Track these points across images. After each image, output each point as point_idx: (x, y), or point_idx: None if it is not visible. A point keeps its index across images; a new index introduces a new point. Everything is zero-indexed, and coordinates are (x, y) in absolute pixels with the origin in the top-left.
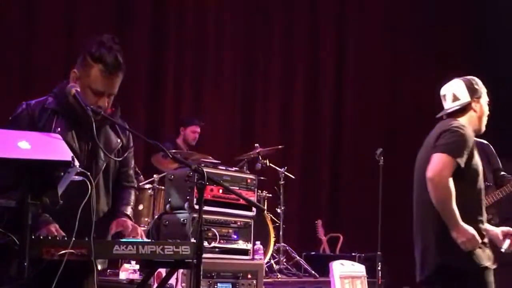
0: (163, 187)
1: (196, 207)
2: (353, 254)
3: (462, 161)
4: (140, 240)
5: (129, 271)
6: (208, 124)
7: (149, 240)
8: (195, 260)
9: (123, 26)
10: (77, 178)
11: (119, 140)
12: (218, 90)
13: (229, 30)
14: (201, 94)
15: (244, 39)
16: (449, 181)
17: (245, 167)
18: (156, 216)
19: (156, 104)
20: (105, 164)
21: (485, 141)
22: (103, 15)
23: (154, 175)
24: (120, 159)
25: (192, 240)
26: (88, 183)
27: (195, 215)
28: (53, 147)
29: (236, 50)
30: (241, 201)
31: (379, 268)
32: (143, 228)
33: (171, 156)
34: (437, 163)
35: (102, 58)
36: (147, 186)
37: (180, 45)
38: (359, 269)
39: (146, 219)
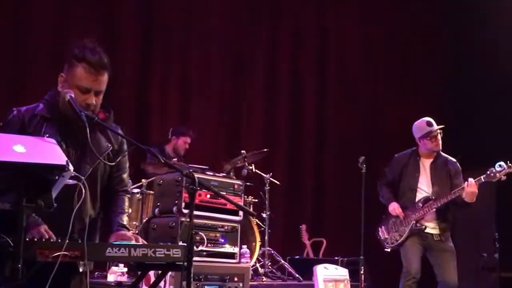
0: (151, 192)
1: (185, 211)
2: (336, 258)
3: None
4: (132, 242)
5: (117, 273)
6: (195, 133)
7: (141, 243)
8: (185, 263)
9: (111, 40)
10: (71, 182)
11: (109, 145)
12: (204, 97)
13: (215, 37)
14: (187, 101)
15: (230, 46)
16: None
17: (231, 173)
18: (144, 220)
19: (142, 111)
20: (91, 170)
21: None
22: (91, 23)
23: (143, 180)
24: (113, 163)
25: (181, 243)
26: (82, 186)
27: (183, 219)
28: (48, 151)
29: (222, 57)
30: (228, 206)
31: (362, 272)
32: (131, 232)
33: (163, 161)
34: None
35: (86, 57)
36: (136, 190)
37: (166, 52)
38: (342, 272)
39: (134, 222)
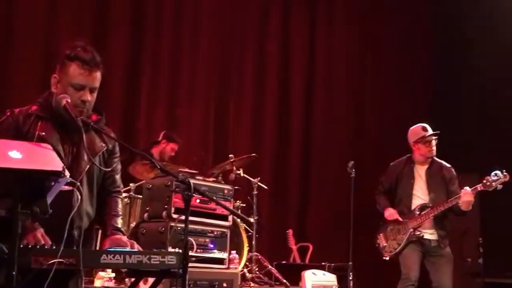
0: (139, 196)
1: (174, 216)
2: (323, 263)
3: None
4: (127, 249)
5: (104, 279)
6: (182, 137)
7: (136, 250)
8: (181, 270)
9: (101, 39)
10: (66, 188)
11: (103, 144)
12: (191, 102)
13: (203, 42)
14: (175, 106)
15: (218, 51)
16: None
17: (220, 177)
18: (132, 225)
19: (130, 114)
20: (88, 166)
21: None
22: (81, 28)
23: (131, 184)
24: (109, 169)
25: (170, 248)
26: (78, 193)
27: (173, 224)
28: (43, 157)
29: (210, 62)
30: (218, 211)
31: (350, 278)
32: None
33: (158, 166)
34: None
35: (78, 56)
36: (123, 194)
37: (155, 57)
38: (330, 278)
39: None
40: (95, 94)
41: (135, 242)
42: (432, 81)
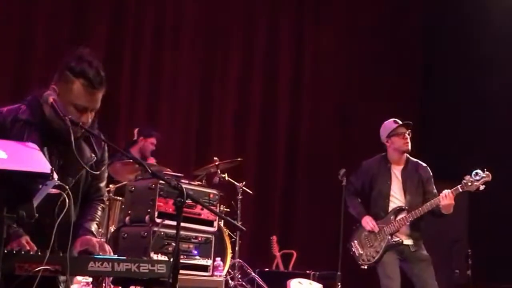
0: (119, 198)
1: (158, 220)
2: (308, 272)
3: None
4: (115, 257)
5: (81, 283)
6: (164, 137)
7: (124, 258)
8: (170, 279)
9: (80, 38)
10: (54, 191)
11: (93, 155)
12: (174, 102)
13: (186, 41)
14: (157, 106)
15: (201, 51)
16: None
17: (203, 181)
18: (110, 227)
19: (110, 115)
20: (73, 182)
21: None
22: (60, 26)
23: (110, 185)
24: (96, 173)
25: (152, 254)
26: (66, 197)
27: (156, 228)
28: (31, 157)
29: (193, 63)
30: (203, 216)
31: None
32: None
33: (150, 171)
34: None
35: (84, 73)
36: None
37: (136, 57)
38: (317, 287)
39: (100, 230)
40: (94, 113)
41: (105, 244)
42: (424, 85)
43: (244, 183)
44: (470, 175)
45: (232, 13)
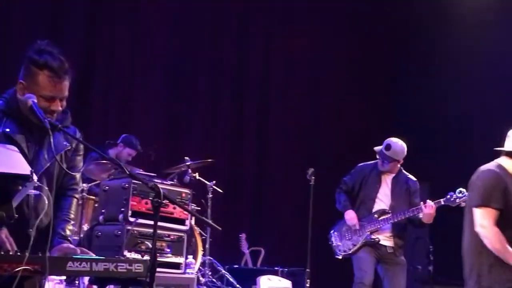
0: (92, 197)
1: (131, 219)
2: (276, 268)
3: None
4: (94, 256)
5: (55, 281)
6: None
7: (103, 257)
8: (148, 279)
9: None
10: (33, 192)
11: (67, 144)
12: (146, 102)
13: (160, 42)
14: (129, 106)
15: (173, 51)
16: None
17: (175, 180)
18: (83, 226)
19: (83, 110)
20: (48, 164)
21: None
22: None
23: (83, 184)
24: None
25: (126, 252)
26: (46, 198)
27: (129, 227)
28: (10, 159)
29: (166, 62)
30: (175, 215)
31: (307, 285)
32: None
33: (128, 172)
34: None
35: (48, 64)
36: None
37: (110, 54)
38: (286, 284)
39: (73, 228)
40: (64, 102)
41: (85, 249)
42: (394, 86)
43: (214, 182)
44: (454, 192)
45: (203, 12)
